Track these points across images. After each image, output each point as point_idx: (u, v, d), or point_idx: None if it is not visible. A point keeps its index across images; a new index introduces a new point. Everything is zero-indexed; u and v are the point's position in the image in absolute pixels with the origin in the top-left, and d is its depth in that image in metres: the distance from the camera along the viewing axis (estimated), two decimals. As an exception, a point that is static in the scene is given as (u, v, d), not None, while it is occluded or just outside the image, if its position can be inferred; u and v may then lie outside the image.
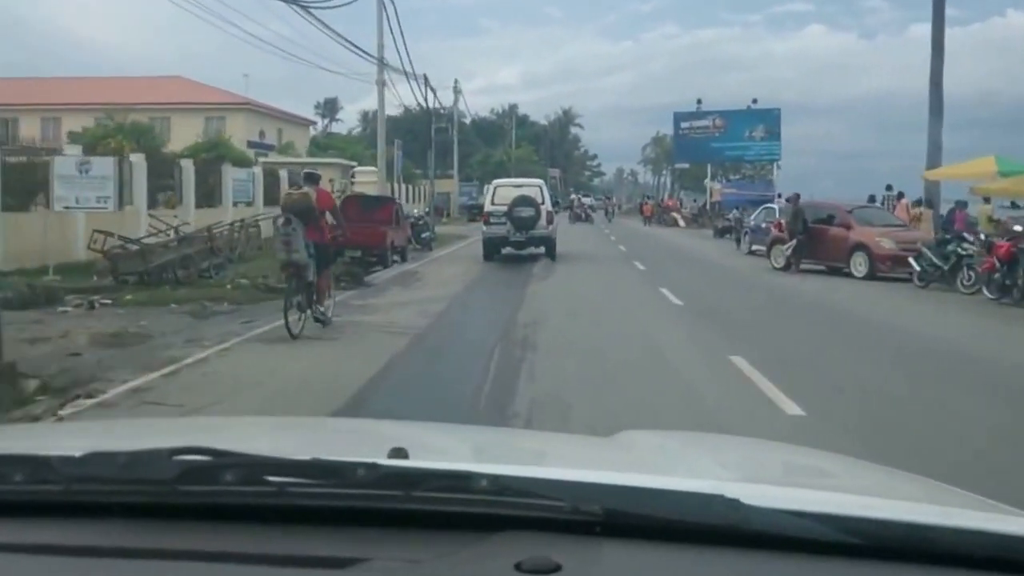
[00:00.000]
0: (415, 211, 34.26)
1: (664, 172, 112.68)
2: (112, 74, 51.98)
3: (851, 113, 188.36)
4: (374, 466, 1.13)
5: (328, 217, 10.97)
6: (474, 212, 52.86)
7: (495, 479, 1.13)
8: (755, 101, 59.23)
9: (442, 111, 61.05)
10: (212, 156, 29.32)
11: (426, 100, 51.25)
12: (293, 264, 10.21)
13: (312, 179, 11.18)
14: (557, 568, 1.03)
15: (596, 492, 1.14)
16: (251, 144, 45.91)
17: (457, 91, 61.43)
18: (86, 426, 3.92)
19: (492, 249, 22.33)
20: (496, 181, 25.47)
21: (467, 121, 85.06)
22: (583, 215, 54.77)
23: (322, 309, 10.67)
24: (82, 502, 1.13)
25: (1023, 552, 1.07)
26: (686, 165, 67.58)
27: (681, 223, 46.93)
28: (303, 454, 1.18)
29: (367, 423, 3.12)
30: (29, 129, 44.22)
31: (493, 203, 22.46)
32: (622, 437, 1.84)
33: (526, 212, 21.47)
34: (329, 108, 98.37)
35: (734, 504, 1.10)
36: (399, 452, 1.26)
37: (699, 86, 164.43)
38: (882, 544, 1.09)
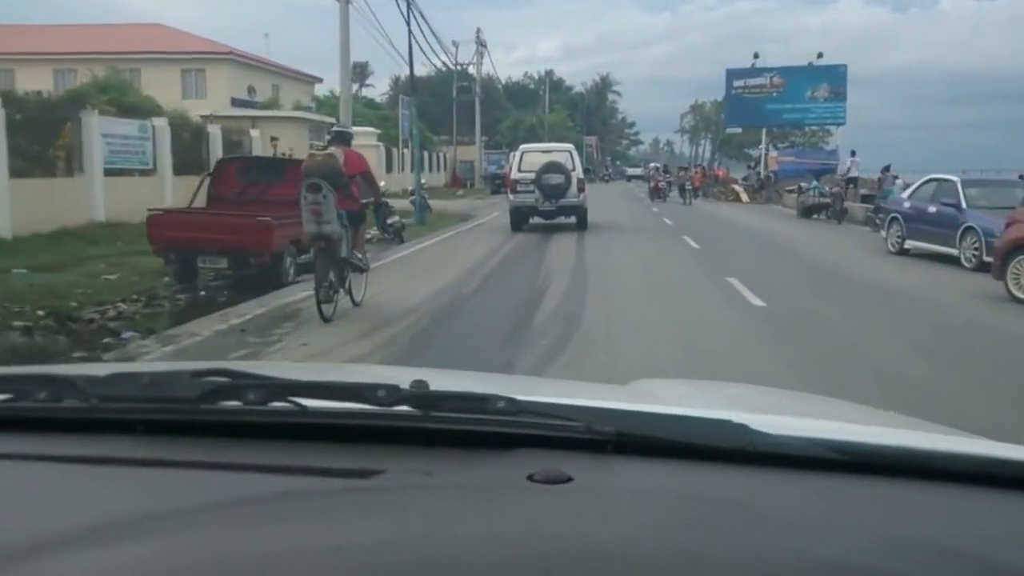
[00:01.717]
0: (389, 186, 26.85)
1: (703, 141, 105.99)
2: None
3: (884, 86, 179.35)
4: (395, 388, 1.14)
5: (359, 183, 9.58)
6: (497, 183, 45.83)
7: (512, 401, 1.15)
8: (820, 56, 51.45)
9: (465, 69, 53.65)
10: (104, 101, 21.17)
11: (453, 62, 44.36)
12: (324, 237, 8.84)
13: (342, 138, 9.70)
14: (568, 479, 1.05)
15: (610, 416, 1.18)
16: (235, 101, 39.11)
17: (481, 44, 53.94)
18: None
19: (520, 219, 20.79)
20: (523, 146, 23.42)
21: (499, 86, 78.34)
22: (660, 191, 39.87)
23: (359, 255, 9.65)
24: (105, 419, 1.14)
25: (1005, 468, 1.12)
26: (738, 129, 59.97)
27: (744, 197, 39.21)
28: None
29: (396, 369, 3.35)
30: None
31: (520, 170, 20.73)
32: (638, 383, 1.88)
33: (555, 179, 20.05)
34: (359, 73, 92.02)
35: (741, 428, 1.14)
36: (420, 383, 1.22)
37: (735, 58, 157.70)
38: (876, 461, 1.13)
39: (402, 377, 1.24)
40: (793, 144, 68.15)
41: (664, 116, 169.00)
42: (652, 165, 53.82)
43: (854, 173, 29.51)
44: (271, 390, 1.14)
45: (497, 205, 33.43)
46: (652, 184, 40.25)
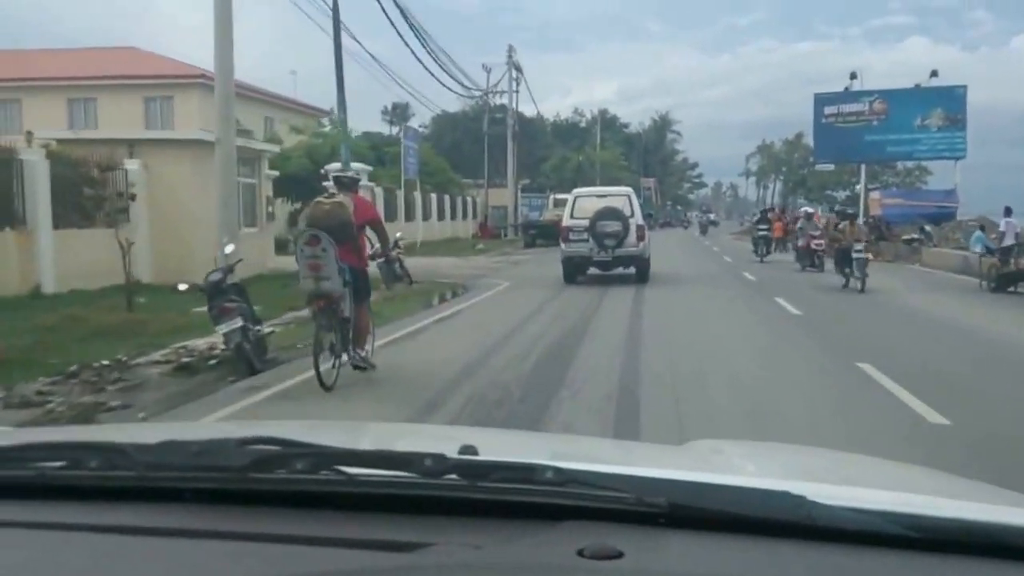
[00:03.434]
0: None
1: (772, 183, 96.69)
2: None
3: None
4: (441, 457, 1.12)
5: (368, 233, 8.71)
6: (533, 233, 36.72)
7: (560, 471, 1.12)
8: (935, 74, 41.92)
9: (489, 95, 45.10)
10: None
11: (481, 89, 36.06)
12: (324, 295, 7.82)
13: (345, 184, 8.72)
14: (619, 555, 1.02)
15: (661, 486, 1.13)
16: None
17: (515, 67, 45.28)
18: (157, 424, 4.71)
19: (573, 270, 19.05)
20: (576, 191, 21.77)
21: (545, 124, 69.92)
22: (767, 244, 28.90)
23: (362, 353, 8.37)
24: (155, 487, 1.13)
25: None
26: (829, 166, 50.41)
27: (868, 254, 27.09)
28: (374, 447, 1.26)
29: (439, 428, 3.44)
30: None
31: (573, 216, 19.13)
32: (691, 444, 1.79)
33: (612, 226, 18.41)
34: (399, 114, 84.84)
35: (799, 500, 1.08)
36: (468, 449, 1.21)
37: (796, 100, 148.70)
38: (940, 538, 1.06)
39: (451, 438, 1.32)
40: (885, 184, 58.09)
41: (724, 159, 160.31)
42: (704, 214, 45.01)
43: (1009, 240, 18.81)
44: (318, 459, 1.13)
45: (524, 266, 24.51)
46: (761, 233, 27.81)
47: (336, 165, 28.57)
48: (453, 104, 57.03)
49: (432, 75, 30.35)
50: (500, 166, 48.79)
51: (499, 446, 1.44)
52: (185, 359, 9.15)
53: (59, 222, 14.44)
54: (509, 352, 9.85)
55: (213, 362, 9.05)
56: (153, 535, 1.08)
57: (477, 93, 40.47)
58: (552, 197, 43.90)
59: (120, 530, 1.09)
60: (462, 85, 38.38)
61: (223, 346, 8.90)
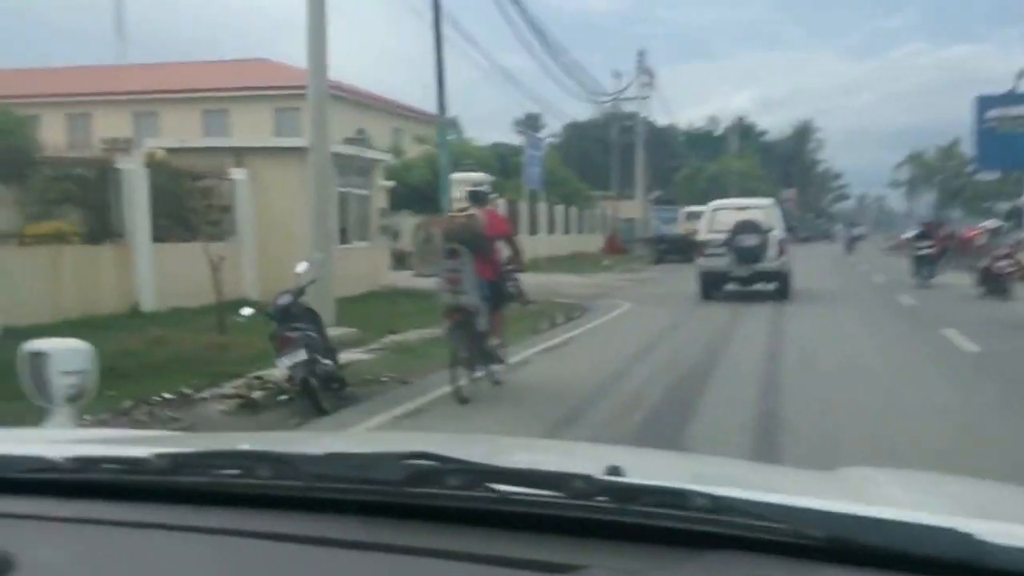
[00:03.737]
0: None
1: (924, 194, 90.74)
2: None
3: None
4: (591, 479, 1.14)
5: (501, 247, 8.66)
6: (663, 248, 34.94)
7: (713, 498, 1.11)
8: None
9: (616, 101, 43.52)
10: None
11: (605, 94, 34.68)
12: (461, 308, 7.86)
13: (478, 198, 8.63)
14: None
15: (818, 518, 1.10)
16: (349, 141, 30.84)
17: (645, 72, 43.54)
18: (319, 434, 5.04)
19: (710, 286, 18.46)
20: (714, 203, 20.79)
21: (678, 134, 67.76)
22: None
23: (497, 368, 8.44)
24: (319, 498, 1.18)
25: None
26: (995, 174, 46.32)
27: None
28: (523, 465, 1.30)
29: (582, 445, 3.23)
30: (52, 131, 31.71)
31: (710, 230, 18.59)
32: (841, 471, 1.70)
33: (750, 240, 17.77)
34: (531, 125, 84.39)
35: (967, 539, 1.03)
36: (615, 470, 1.21)
37: (949, 106, 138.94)
38: None
39: (595, 457, 1.37)
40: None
41: (869, 170, 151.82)
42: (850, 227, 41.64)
43: None
44: (471, 476, 1.16)
45: (650, 285, 22.88)
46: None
47: (458, 175, 27.73)
48: (584, 113, 55.90)
49: (557, 82, 28.83)
50: (630, 177, 47.09)
51: (644, 466, 1.40)
52: (256, 393, 8.10)
53: (161, 235, 13.86)
54: (618, 397, 8.32)
55: (284, 397, 7.96)
56: (319, 544, 1.11)
57: (604, 99, 38.89)
58: (684, 210, 41.93)
59: (289, 538, 1.12)
60: (591, 92, 36.99)
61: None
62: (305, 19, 11.32)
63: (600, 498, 1.11)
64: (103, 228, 12.87)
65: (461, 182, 27.54)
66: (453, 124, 34.09)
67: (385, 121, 36.83)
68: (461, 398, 7.71)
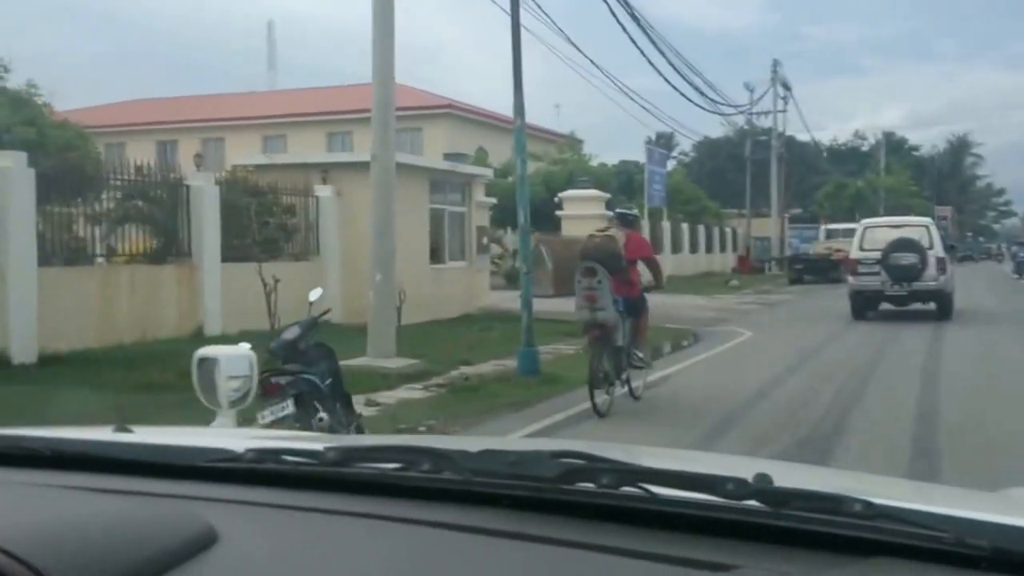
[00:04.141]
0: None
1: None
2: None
3: None
4: (743, 482, 1.12)
5: (640, 267, 8.96)
6: (799, 268, 32.53)
7: (870, 504, 1.08)
8: None
9: (749, 115, 41.11)
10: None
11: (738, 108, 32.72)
12: (599, 325, 8.21)
13: (624, 220, 9.13)
14: None
15: (982, 528, 1.06)
16: (447, 156, 30.26)
17: (783, 85, 41.02)
18: (472, 437, 5.47)
19: (862, 306, 17.99)
20: (866, 221, 20.61)
21: (820, 149, 64.30)
22: None
23: (639, 354, 8.90)
24: (475, 491, 1.22)
25: None
26: None
27: None
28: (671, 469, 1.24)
29: (731, 457, 3.26)
30: (142, 152, 32.69)
31: (862, 248, 18.14)
32: (1012, 492, 1.61)
33: (907, 259, 17.27)
34: (663, 144, 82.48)
35: None
36: (763, 478, 1.16)
37: None
38: None
39: (743, 466, 1.27)
40: None
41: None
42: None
43: None
44: (623, 475, 1.17)
45: (780, 309, 20.88)
46: None
47: (570, 192, 26.43)
48: (716, 129, 53.49)
49: (682, 95, 27.06)
50: (765, 194, 44.52)
51: (792, 478, 1.33)
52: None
53: (237, 254, 13.12)
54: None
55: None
56: (477, 533, 1.15)
57: (732, 111, 36.66)
58: (824, 227, 39.11)
59: (449, 527, 1.16)
60: (720, 103, 34.99)
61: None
62: (372, 28, 10.29)
63: (752, 501, 1.10)
64: (168, 247, 12.20)
65: (574, 199, 26.35)
66: (573, 141, 32.84)
67: (499, 137, 35.97)
68: (600, 412, 8.06)
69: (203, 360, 3.00)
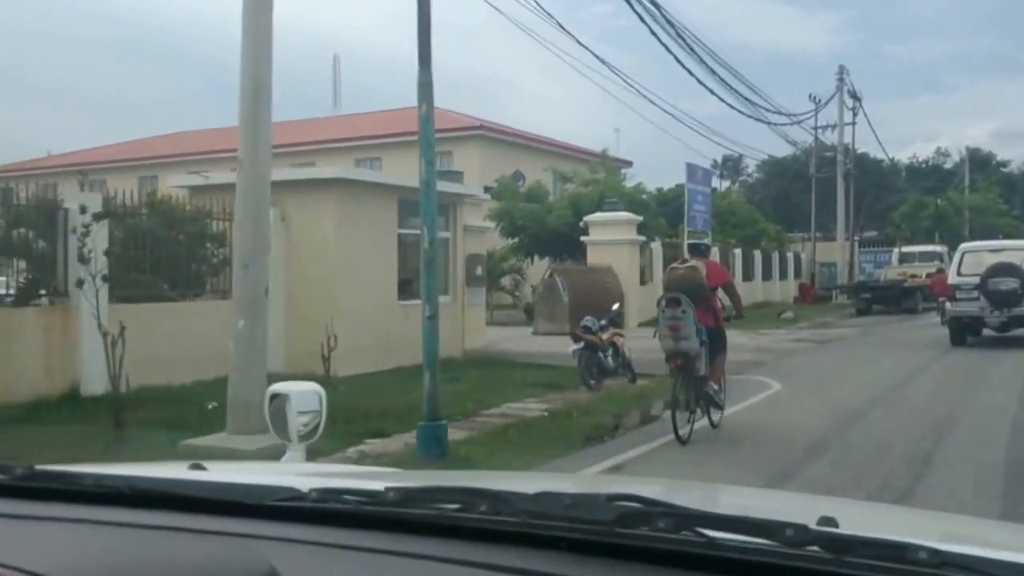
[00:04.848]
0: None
1: None
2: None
3: None
4: (803, 528, 1.10)
5: (720, 295, 9.31)
6: (867, 297, 29.19)
7: (936, 552, 1.06)
8: None
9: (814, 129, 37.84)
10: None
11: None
12: (682, 354, 8.50)
13: (699, 250, 9.95)
14: None
15: None
16: (441, 175, 28.05)
17: (853, 96, 37.63)
18: (530, 473, 5.25)
19: (961, 332, 17.92)
20: (964, 245, 20.14)
21: (897, 166, 60.15)
22: None
23: (715, 387, 8.99)
24: (532, 533, 1.22)
25: None
26: None
27: None
28: (731, 512, 1.22)
29: (797, 495, 3.12)
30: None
31: (960, 273, 18.14)
32: None
33: (1007, 284, 17.10)
34: (731, 168, 79.05)
35: None
36: (828, 520, 1.19)
37: None
38: None
39: (809, 507, 1.31)
40: None
41: None
42: None
43: None
44: (680, 519, 1.17)
45: (834, 348, 17.86)
46: None
47: (597, 216, 23.71)
48: (782, 149, 50.02)
49: (728, 104, 24.18)
50: (834, 215, 40.95)
51: (861, 520, 1.39)
52: None
53: (137, 294, 10.85)
54: None
55: None
56: None
57: (785, 122, 33.43)
58: (898, 249, 35.46)
59: (506, 569, 1.17)
60: (768, 109, 31.91)
61: None
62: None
63: (813, 548, 1.08)
64: (34, 286, 9.97)
65: (602, 223, 23.68)
66: (606, 160, 30.10)
67: (536, 159, 33.39)
68: (681, 439, 8.23)
69: (275, 396, 2.88)
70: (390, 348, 13.64)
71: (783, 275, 36.23)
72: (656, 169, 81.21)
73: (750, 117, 25.11)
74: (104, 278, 8.88)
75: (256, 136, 7.53)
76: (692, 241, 10.03)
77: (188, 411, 8.96)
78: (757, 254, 32.85)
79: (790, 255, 37.46)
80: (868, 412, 10.29)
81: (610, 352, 12.41)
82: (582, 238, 23.46)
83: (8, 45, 63.62)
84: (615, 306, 13.41)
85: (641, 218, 23.74)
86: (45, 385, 9.69)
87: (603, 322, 12.77)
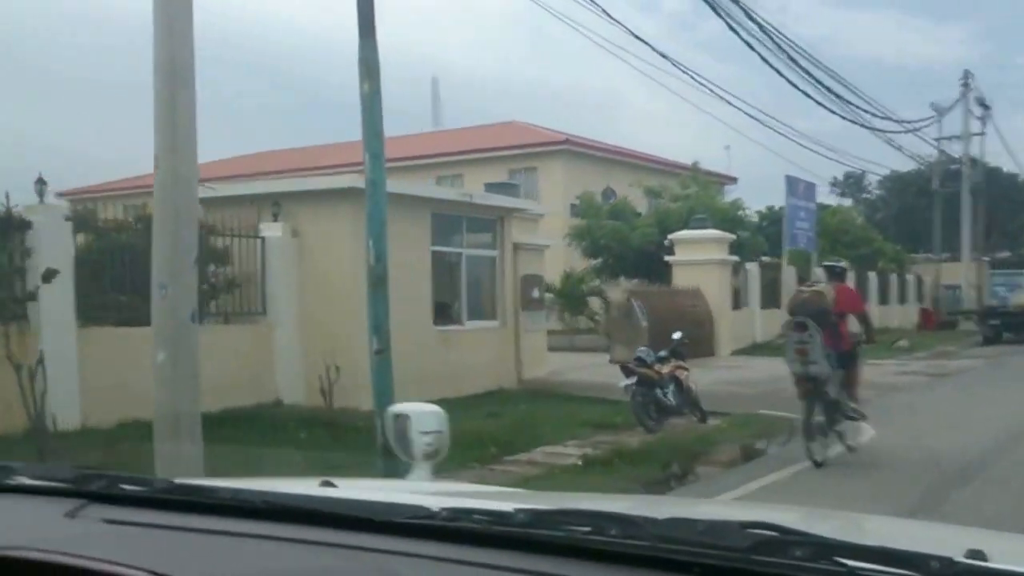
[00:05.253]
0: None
1: None
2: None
3: None
4: (950, 561, 1.07)
5: (850, 321, 9.13)
6: (996, 324, 26.12)
7: None
8: None
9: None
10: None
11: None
12: (811, 378, 8.46)
13: (835, 273, 9.59)
14: None
15: None
16: (490, 188, 26.60)
17: (981, 104, 34.30)
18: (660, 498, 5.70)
19: None
20: None
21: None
22: None
23: (853, 404, 9.01)
24: (663, 558, 1.20)
25: None
26: None
27: None
28: (872, 542, 1.20)
29: (945, 526, 2.98)
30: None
31: None
32: None
33: None
34: (852, 185, 74.68)
35: None
36: (977, 554, 1.12)
37: None
38: None
39: (957, 539, 1.27)
40: None
41: None
42: None
43: None
44: (818, 548, 1.14)
45: (948, 385, 15.40)
46: None
47: (683, 234, 21.63)
48: (905, 163, 46.37)
49: (843, 118, 21.72)
50: (954, 235, 37.39)
51: (1012, 552, 1.31)
52: None
53: (119, 317, 9.64)
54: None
55: None
56: None
57: (898, 130, 30.39)
58: (1031, 271, 31.88)
59: None
60: (887, 119, 29.14)
61: None
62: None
63: None
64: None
65: (688, 241, 21.59)
66: (698, 174, 27.97)
67: (633, 176, 31.41)
68: (816, 462, 8.25)
69: (397, 416, 2.99)
70: (424, 379, 12.05)
71: (903, 299, 33.03)
72: (769, 187, 77.76)
73: (852, 122, 22.51)
74: (32, 296, 7.56)
75: (174, 125, 6.06)
76: (827, 263, 9.84)
77: (128, 453, 7.56)
78: (872, 276, 29.93)
79: (911, 277, 34.19)
80: (979, 470, 8.06)
81: (671, 388, 10.51)
82: (666, 258, 21.43)
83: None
84: (676, 335, 11.48)
85: (733, 236, 21.54)
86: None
87: (663, 353, 10.92)
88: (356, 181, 11.95)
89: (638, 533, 1.23)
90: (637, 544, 1.22)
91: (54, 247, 8.93)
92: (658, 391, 10.34)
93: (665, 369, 10.60)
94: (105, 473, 1.59)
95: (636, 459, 8.56)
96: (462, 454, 8.11)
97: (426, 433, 2.85)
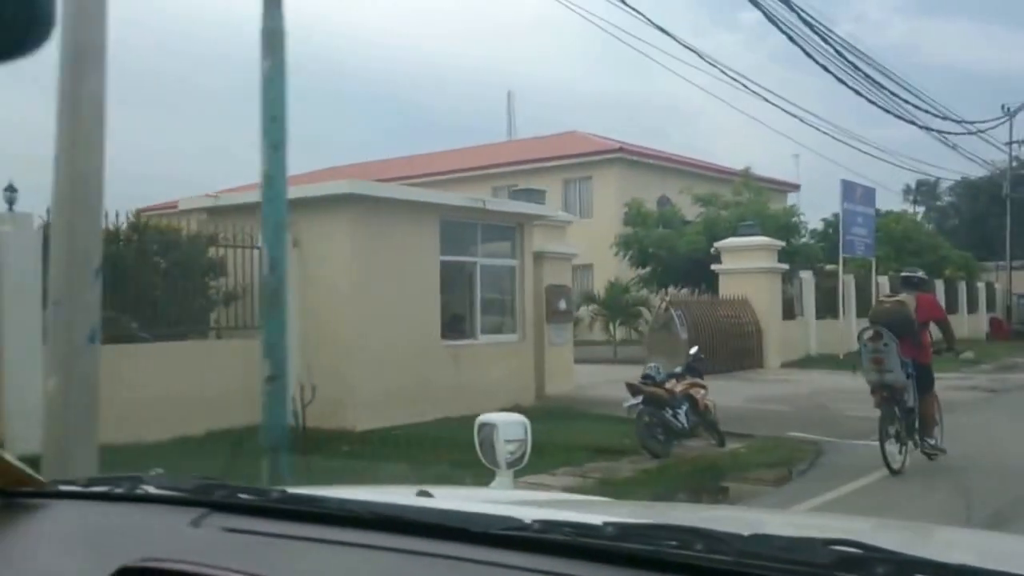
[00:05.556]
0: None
1: None
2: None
3: None
4: None
5: (931, 330, 9.24)
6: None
7: None
8: None
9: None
10: None
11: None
12: (887, 387, 8.54)
13: (912, 283, 9.34)
14: None
15: None
16: (514, 194, 25.99)
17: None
18: (742, 511, 5.53)
19: None
20: None
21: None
22: None
23: (931, 441, 8.91)
24: (747, 573, 1.21)
25: None
26: None
27: None
28: (954, 559, 1.19)
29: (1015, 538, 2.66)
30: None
31: None
32: None
33: None
34: (927, 193, 71.81)
35: None
36: None
37: None
38: None
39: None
40: None
41: None
42: None
43: None
44: (901, 566, 1.13)
45: (1010, 401, 14.21)
46: None
47: (730, 241, 20.66)
48: (977, 169, 44.36)
49: (891, 114, 20.47)
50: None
51: None
52: None
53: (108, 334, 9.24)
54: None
55: None
56: None
57: (960, 130, 28.77)
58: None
59: None
60: (948, 119, 27.66)
61: None
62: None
63: None
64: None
65: (736, 249, 20.59)
66: (749, 180, 26.90)
67: (690, 185, 30.40)
68: (893, 470, 8.27)
69: (483, 425, 3.10)
70: (431, 396, 11.46)
71: (972, 308, 31.35)
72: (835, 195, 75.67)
73: (906, 121, 21.21)
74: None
75: (76, 118, 5.47)
76: (905, 273, 9.72)
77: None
78: (939, 284, 28.44)
79: (981, 285, 32.46)
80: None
81: (684, 408, 9.69)
82: (712, 266, 20.50)
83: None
84: (693, 350, 10.66)
85: (782, 243, 20.49)
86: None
87: (677, 370, 10.10)
88: (354, 187, 11.44)
89: (723, 548, 1.25)
90: (723, 560, 1.24)
91: (23, 259, 8.58)
92: (667, 412, 9.54)
93: (678, 387, 9.79)
94: (224, 483, 1.65)
95: (622, 494, 7.76)
96: (434, 480, 7.48)
97: (510, 441, 2.95)
